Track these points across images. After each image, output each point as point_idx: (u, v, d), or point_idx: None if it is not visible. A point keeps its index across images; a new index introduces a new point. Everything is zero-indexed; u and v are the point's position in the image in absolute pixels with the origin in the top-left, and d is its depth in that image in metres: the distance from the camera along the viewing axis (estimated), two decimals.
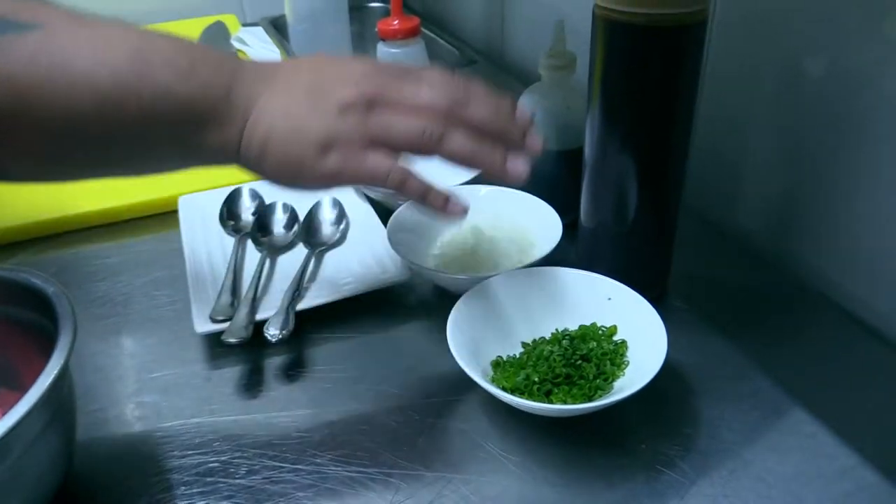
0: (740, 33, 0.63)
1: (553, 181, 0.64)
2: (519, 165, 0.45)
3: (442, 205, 0.46)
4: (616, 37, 0.48)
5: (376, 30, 0.82)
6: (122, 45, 0.41)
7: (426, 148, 0.44)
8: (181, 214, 0.69)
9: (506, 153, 0.45)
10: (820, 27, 0.55)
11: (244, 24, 1.26)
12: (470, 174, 0.69)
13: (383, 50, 0.82)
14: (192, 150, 0.44)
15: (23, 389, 0.47)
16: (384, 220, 0.65)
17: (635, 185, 0.52)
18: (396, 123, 0.43)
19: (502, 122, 0.46)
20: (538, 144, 0.47)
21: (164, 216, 0.72)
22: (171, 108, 0.41)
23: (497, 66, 1.08)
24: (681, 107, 0.50)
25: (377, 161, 0.43)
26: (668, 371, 0.48)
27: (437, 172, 0.66)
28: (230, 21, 1.25)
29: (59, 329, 0.41)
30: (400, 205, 0.64)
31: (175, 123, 0.42)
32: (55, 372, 0.38)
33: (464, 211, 0.46)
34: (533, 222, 0.63)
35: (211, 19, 1.25)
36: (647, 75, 0.48)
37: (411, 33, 0.80)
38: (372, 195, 0.70)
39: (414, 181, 0.45)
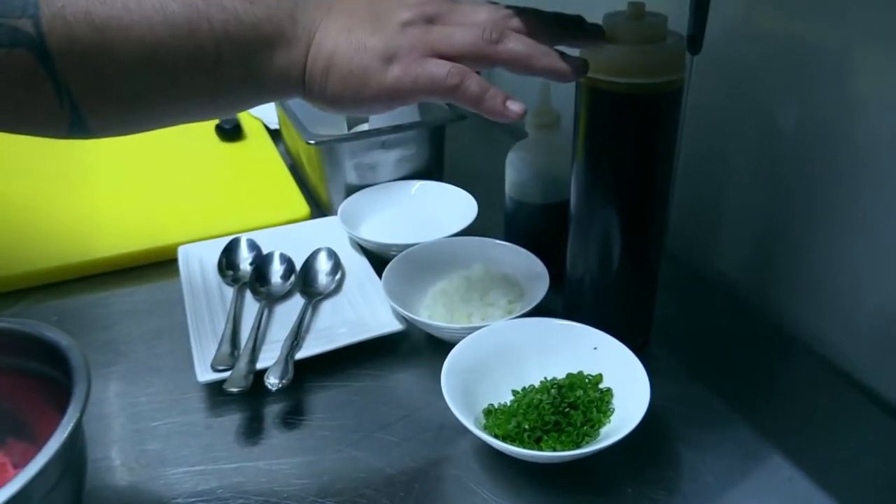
0: (717, 91, 0.67)
1: (540, 234, 0.68)
2: (576, 62, 0.46)
3: (500, 106, 0.46)
4: (598, 102, 0.52)
5: None
6: None
7: (484, 53, 0.45)
8: (181, 264, 0.71)
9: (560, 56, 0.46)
10: (791, 82, 0.59)
11: None
12: (471, 214, 0.72)
13: None
14: (261, 76, 0.45)
15: (33, 439, 0.49)
16: (378, 271, 0.67)
17: (618, 237, 0.55)
18: (454, 32, 0.45)
19: (553, 27, 0.48)
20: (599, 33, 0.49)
21: (163, 265, 0.75)
22: (239, 31, 0.43)
23: (486, 121, 1.12)
24: (660, 165, 0.54)
25: (436, 65, 0.45)
26: (652, 417, 0.50)
27: (436, 225, 0.69)
28: None
29: (74, 381, 0.42)
30: (394, 256, 0.66)
31: (244, 45, 0.43)
32: (72, 424, 0.40)
33: (522, 113, 0.46)
34: (521, 273, 0.66)
35: None
36: (628, 138, 0.52)
37: None
38: (367, 246, 0.73)
39: (472, 82, 0.45)
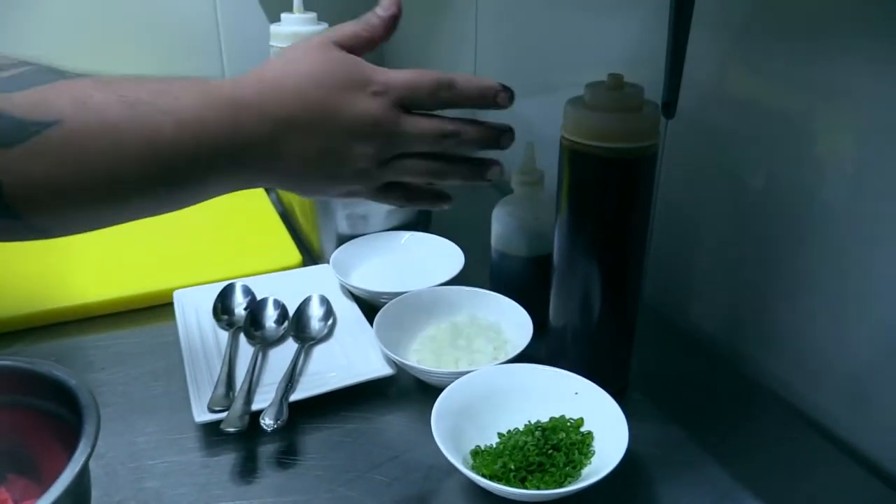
0: (690, 153, 0.71)
1: (524, 284, 0.71)
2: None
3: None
4: (580, 164, 0.56)
5: None
6: (133, 139, 0.43)
7: (438, 175, 0.51)
8: (176, 308, 0.73)
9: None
10: (759, 145, 0.64)
11: None
12: (458, 264, 0.76)
13: None
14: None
15: (36, 476, 0.50)
16: (368, 317, 0.70)
17: (598, 289, 0.59)
18: (409, 169, 0.49)
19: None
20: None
21: (158, 309, 0.77)
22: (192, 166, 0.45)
23: None
24: (637, 223, 0.58)
25: (393, 199, 0.51)
26: (630, 459, 0.53)
27: (425, 274, 0.72)
28: None
29: (84, 419, 0.44)
30: (384, 303, 0.69)
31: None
32: (83, 459, 0.42)
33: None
34: (506, 321, 0.69)
35: None
36: (607, 197, 0.56)
37: None
38: (358, 294, 0.75)
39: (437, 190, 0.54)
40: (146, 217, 0.48)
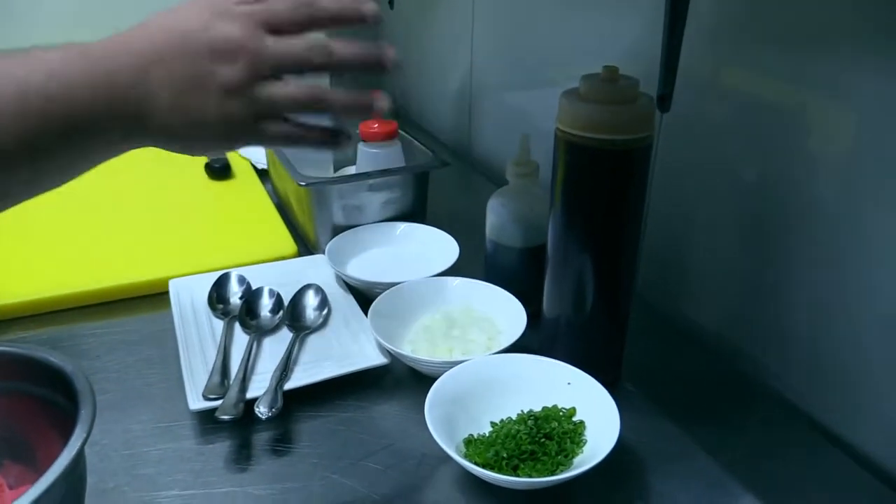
0: (685, 146, 0.72)
1: (518, 275, 0.72)
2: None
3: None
4: (574, 155, 0.56)
5: (358, 130, 0.89)
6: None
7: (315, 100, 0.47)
8: (172, 297, 0.74)
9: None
10: (753, 139, 0.64)
11: None
12: (452, 255, 0.76)
13: (363, 150, 0.89)
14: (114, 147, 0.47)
15: (31, 462, 0.51)
16: (363, 307, 0.70)
17: (592, 279, 0.59)
18: (283, 95, 0.46)
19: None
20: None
21: (154, 297, 0.77)
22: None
23: (468, 167, 1.17)
24: (630, 214, 0.58)
25: (280, 137, 0.48)
26: (622, 449, 0.54)
27: (420, 265, 0.73)
28: None
29: (80, 404, 0.45)
30: (379, 293, 0.70)
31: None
32: (79, 444, 0.42)
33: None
34: (500, 312, 0.69)
35: None
36: (601, 188, 0.56)
37: (390, 136, 0.88)
38: (353, 284, 0.76)
39: (316, 131, 0.49)
40: (39, 191, 0.48)
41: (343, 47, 0.47)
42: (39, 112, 0.43)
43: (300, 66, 0.47)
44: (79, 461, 0.44)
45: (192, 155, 0.50)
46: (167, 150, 0.48)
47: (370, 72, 0.48)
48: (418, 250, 0.82)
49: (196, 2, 0.48)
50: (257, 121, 0.47)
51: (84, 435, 0.43)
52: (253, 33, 0.46)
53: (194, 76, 0.46)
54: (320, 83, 0.48)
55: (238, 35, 0.46)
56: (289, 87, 0.47)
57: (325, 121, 0.50)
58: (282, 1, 0.47)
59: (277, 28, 0.47)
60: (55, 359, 0.49)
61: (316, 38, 0.48)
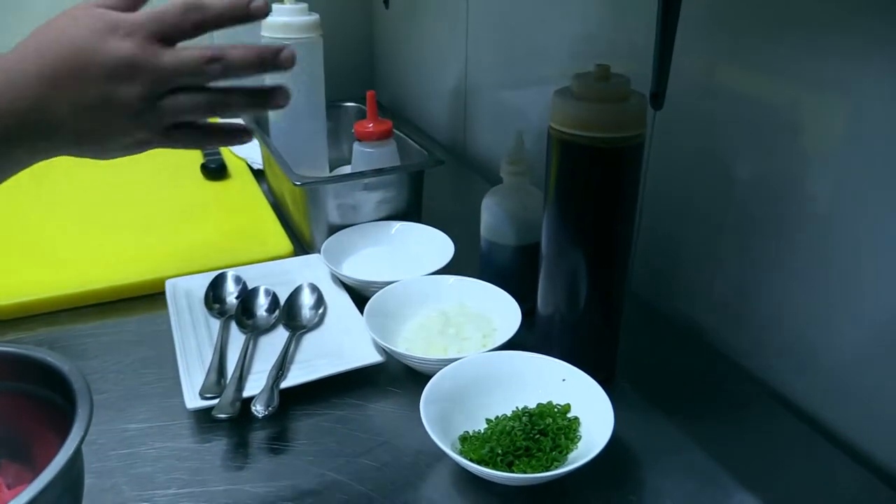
0: (679, 143, 0.72)
1: (512, 273, 0.72)
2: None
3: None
4: (567, 153, 0.56)
5: (353, 130, 0.90)
6: None
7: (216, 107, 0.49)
8: (168, 297, 0.74)
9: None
10: (747, 136, 0.64)
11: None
12: (447, 254, 0.76)
13: (359, 149, 0.90)
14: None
15: (28, 461, 0.51)
16: (359, 306, 0.71)
17: (585, 277, 0.60)
18: (184, 104, 0.47)
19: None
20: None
21: (151, 298, 0.77)
22: None
23: (462, 165, 1.18)
24: (623, 211, 0.58)
25: (185, 141, 0.49)
26: (616, 445, 0.54)
27: (415, 264, 0.73)
28: None
29: (77, 403, 0.45)
30: (374, 292, 0.70)
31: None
32: (77, 441, 0.42)
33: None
34: (495, 310, 0.70)
35: None
36: (594, 186, 0.57)
37: (385, 136, 0.88)
38: (348, 283, 0.76)
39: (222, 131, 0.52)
40: None
41: (238, 52, 0.47)
42: None
43: (197, 77, 0.47)
44: (76, 459, 0.44)
45: (105, 159, 0.51)
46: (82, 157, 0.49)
47: (268, 72, 0.48)
48: (413, 249, 0.83)
49: (80, 14, 0.47)
50: (164, 131, 0.48)
51: (81, 433, 0.43)
52: (146, 48, 0.46)
53: (94, 99, 0.46)
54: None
55: (132, 53, 0.46)
56: (190, 96, 0.47)
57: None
58: (169, 6, 0.47)
59: (170, 37, 0.47)
60: (52, 358, 0.49)
61: (212, 45, 0.47)
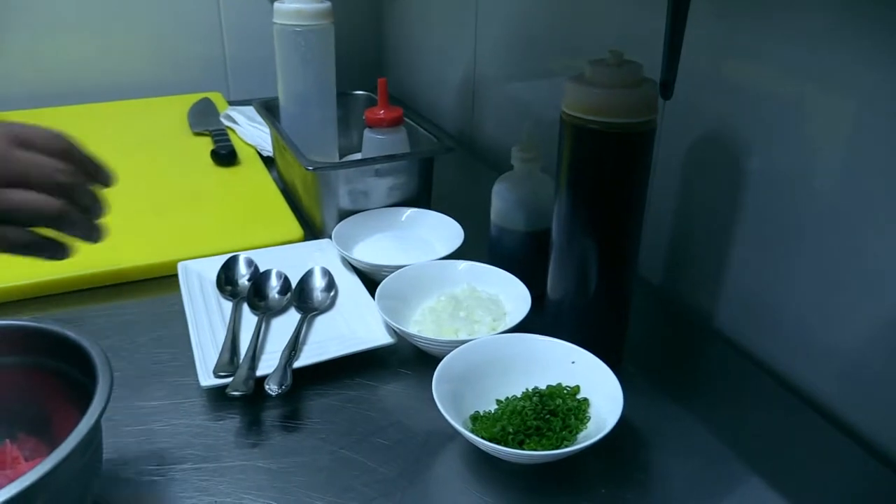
0: (688, 134, 0.73)
1: (523, 258, 0.73)
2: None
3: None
4: (579, 139, 0.57)
5: (364, 116, 0.90)
6: None
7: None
8: (181, 278, 0.75)
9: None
10: (754, 128, 0.65)
11: (232, 103, 1.34)
12: (458, 239, 0.77)
13: (369, 135, 0.90)
14: None
15: (47, 435, 0.52)
16: (370, 291, 0.72)
17: (595, 262, 0.61)
18: (24, 207, 0.49)
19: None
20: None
21: (163, 280, 0.78)
22: None
23: (469, 154, 1.18)
24: (634, 197, 0.59)
25: (14, 238, 0.51)
26: (625, 426, 0.55)
27: (425, 249, 0.74)
28: (216, 98, 1.34)
29: (97, 378, 0.46)
30: (385, 276, 0.71)
31: None
32: (98, 411, 0.43)
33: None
34: (505, 294, 0.70)
35: (198, 96, 1.33)
36: (606, 171, 0.57)
37: (395, 122, 0.89)
38: (359, 267, 0.77)
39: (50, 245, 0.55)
40: None
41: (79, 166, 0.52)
42: None
43: (44, 180, 0.49)
44: (96, 431, 0.45)
45: None
46: None
47: (95, 184, 0.55)
48: (424, 235, 0.83)
49: None
50: None
51: (102, 404, 0.44)
52: (1, 142, 0.48)
53: None
54: None
55: None
56: (35, 198, 0.49)
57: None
58: (37, 128, 0.50)
59: (29, 145, 0.49)
60: (72, 333, 0.50)
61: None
